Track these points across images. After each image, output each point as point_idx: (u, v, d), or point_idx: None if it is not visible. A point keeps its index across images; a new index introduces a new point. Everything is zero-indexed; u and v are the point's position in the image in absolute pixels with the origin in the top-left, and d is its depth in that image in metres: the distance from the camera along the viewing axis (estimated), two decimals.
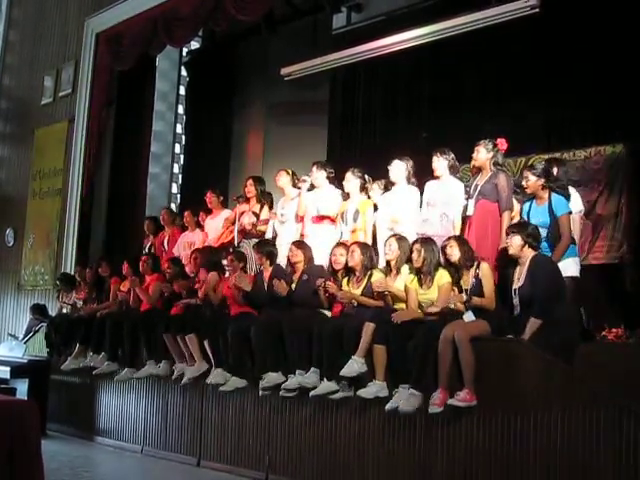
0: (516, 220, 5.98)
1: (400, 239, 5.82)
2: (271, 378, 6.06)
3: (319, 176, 7.05)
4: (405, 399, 5.12)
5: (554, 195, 5.75)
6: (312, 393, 5.68)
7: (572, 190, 6.17)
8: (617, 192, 7.83)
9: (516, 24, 7.50)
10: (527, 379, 4.84)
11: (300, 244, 6.52)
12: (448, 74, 9.21)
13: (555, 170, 6.15)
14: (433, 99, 9.39)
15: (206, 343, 6.64)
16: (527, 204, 5.97)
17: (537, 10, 7.13)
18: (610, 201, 7.82)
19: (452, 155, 6.37)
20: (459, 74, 9.10)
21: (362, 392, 5.40)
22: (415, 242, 5.68)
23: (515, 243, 5.21)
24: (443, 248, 5.53)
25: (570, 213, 5.73)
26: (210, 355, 6.63)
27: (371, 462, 5.52)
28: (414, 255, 5.56)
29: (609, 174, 7.88)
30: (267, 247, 6.78)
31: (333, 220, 6.96)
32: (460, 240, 5.55)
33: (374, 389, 5.34)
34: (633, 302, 7.14)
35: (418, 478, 5.23)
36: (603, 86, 7.91)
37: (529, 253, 5.19)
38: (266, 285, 6.51)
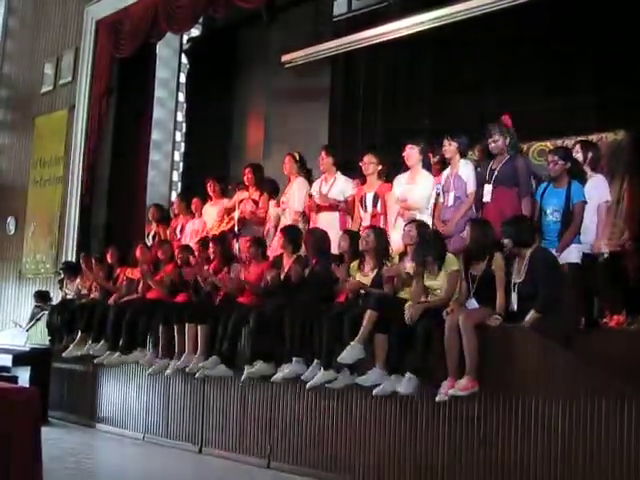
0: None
1: (421, 226, 5.70)
2: (260, 367, 6.05)
3: (327, 162, 7.01)
4: (405, 382, 5.09)
5: (574, 181, 5.67)
6: (309, 385, 5.66)
7: (601, 178, 6.05)
8: (619, 179, 7.80)
9: (517, 11, 7.47)
10: (529, 366, 4.84)
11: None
12: (450, 61, 9.17)
13: (587, 154, 6.02)
14: (435, 86, 9.35)
15: (200, 330, 6.58)
16: (542, 185, 5.88)
17: None
18: (612, 188, 7.78)
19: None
20: (460, 61, 9.05)
21: (361, 380, 5.39)
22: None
23: (508, 245, 5.13)
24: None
25: (585, 202, 5.65)
26: (202, 344, 6.58)
27: (373, 449, 5.53)
28: None
29: (611, 161, 7.85)
30: (294, 234, 6.58)
31: (336, 208, 6.92)
32: (476, 225, 5.38)
33: (373, 377, 5.32)
34: (634, 289, 7.13)
35: (420, 465, 5.24)
36: (605, 73, 7.88)
37: (527, 249, 5.14)
38: (285, 272, 6.37)
